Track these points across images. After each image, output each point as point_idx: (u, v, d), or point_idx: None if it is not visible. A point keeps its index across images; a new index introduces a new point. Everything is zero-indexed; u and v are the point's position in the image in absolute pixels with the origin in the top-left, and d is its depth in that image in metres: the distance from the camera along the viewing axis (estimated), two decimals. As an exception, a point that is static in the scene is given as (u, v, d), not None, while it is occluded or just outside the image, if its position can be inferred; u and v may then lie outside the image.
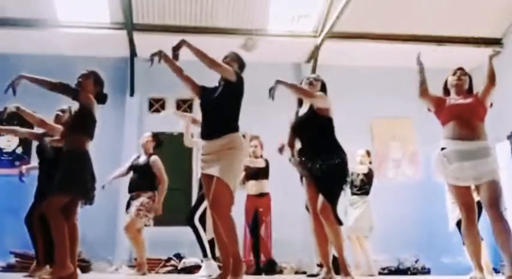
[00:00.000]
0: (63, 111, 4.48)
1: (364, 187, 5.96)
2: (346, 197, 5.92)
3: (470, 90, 3.50)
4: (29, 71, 8.37)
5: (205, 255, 4.71)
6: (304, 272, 6.95)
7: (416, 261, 7.12)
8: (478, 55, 8.27)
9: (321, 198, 3.34)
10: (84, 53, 7.84)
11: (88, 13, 7.42)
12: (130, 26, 7.41)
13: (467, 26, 7.88)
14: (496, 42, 8.17)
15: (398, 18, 7.66)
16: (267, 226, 5.88)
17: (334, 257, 3.78)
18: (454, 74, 3.51)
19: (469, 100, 3.34)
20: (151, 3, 7.37)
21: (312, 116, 3.50)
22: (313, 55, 8.17)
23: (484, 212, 3.17)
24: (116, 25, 7.53)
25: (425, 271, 7.08)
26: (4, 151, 7.62)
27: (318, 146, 3.45)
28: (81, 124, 3.37)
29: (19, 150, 7.64)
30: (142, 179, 5.23)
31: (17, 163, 7.53)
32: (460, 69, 3.52)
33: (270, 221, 5.92)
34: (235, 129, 3.18)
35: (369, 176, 6.01)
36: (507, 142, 7.45)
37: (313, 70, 8.19)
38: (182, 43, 3.22)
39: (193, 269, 6.34)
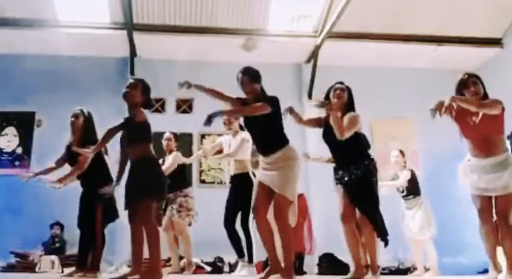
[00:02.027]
0: (76, 116, 4.45)
1: (412, 189, 5.91)
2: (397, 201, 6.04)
3: (485, 94, 3.43)
4: (29, 71, 8.39)
5: (251, 260, 4.80)
6: (304, 272, 6.95)
7: (416, 261, 7.11)
8: (478, 55, 8.30)
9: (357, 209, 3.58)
10: (84, 53, 7.84)
11: (88, 13, 7.42)
12: (130, 26, 7.40)
13: (467, 26, 7.89)
14: (496, 42, 8.18)
15: (398, 18, 7.66)
16: (308, 224, 6.03)
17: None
18: (467, 87, 3.37)
19: (479, 116, 3.35)
20: (151, 3, 7.37)
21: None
22: (313, 55, 8.16)
23: None
24: (116, 25, 7.52)
25: (425, 271, 7.06)
26: (4, 151, 7.61)
27: (345, 157, 3.62)
28: (143, 135, 3.48)
29: (19, 150, 7.63)
30: (172, 179, 5.21)
31: (17, 163, 7.54)
32: (469, 76, 3.43)
33: (309, 219, 6.04)
34: (286, 141, 3.35)
35: (412, 178, 5.93)
36: (507, 142, 7.44)
37: (313, 70, 8.20)
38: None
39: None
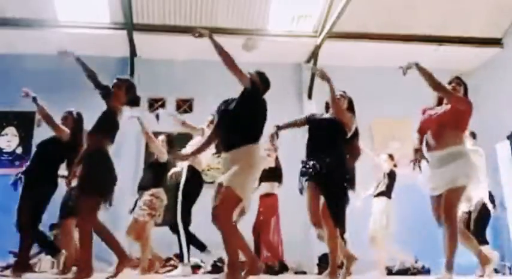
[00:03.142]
0: (65, 118, 4.47)
1: (383, 189, 5.98)
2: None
3: (465, 96, 3.56)
4: (29, 71, 8.38)
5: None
6: (304, 272, 6.95)
7: (416, 261, 7.11)
8: (478, 55, 8.30)
9: (323, 200, 3.44)
10: (84, 53, 7.77)
11: (88, 13, 7.43)
12: (130, 26, 7.41)
13: (467, 26, 7.89)
14: (496, 42, 8.18)
15: (398, 18, 7.66)
16: (275, 227, 5.88)
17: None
18: (449, 83, 3.58)
19: (441, 109, 3.42)
20: (151, 3, 7.37)
21: (332, 121, 3.63)
22: (313, 55, 8.17)
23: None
24: (116, 25, 7.54)
25: (425, 271, 7.07)
26: (4, 151, 7.62)
27: (322, 147, 3.52)
28: (105, 127, 3.42)
29: (19, 150, 7.64)
30: (146, 177, 5.22)
31: (17, 163, 7.54)
32: (457, 78, 3.58)
33: (277, 222, 5.89)
34: (253, 140, 3.05)
35: (390, 178, 6.01)
36: (507, 142, 7.45)
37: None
38: (207, 34, 3.32)
39: (193, 268, 6.35)
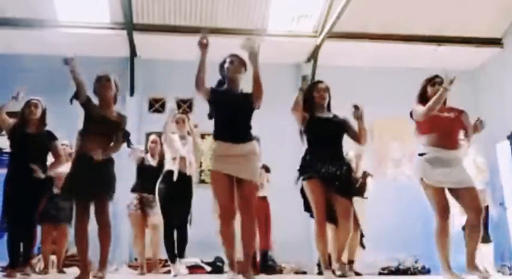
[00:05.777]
0: (35, 105, 4.39)
1: (363, 190, 5.95)
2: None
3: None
4: (29, 71, 8.39)
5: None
6: (304, 272, 6.95)
7: (416, 261, 7.12)
8: (478, 55, 8.30)
9: (343, 200, 3.50)
10: (84, 53, 7.81)
11: (88, 13, 7.43)
12: (130, 26, 7.41)
13: (467, 26, 7.88)
14: (496, 42, 8.18)
15: (398, 18, 7.66)
16: (267, 222, 6.09)
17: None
18: (433, 85, 3.55)
19: (452, 114, 3.50)
20: (151, 3, 7.37)
21: (341, 123, 3.73)
22: (313, 55, 8.17)
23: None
24: (116, 25, 7.53)
25: (425, 271, 7.08)
26: (4, 151, 7.60)
27: (335, 152, 3.62)
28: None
29: (19, 150, 7.61)
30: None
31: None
32: (437, 76, 3.56)
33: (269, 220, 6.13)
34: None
35: (365, 176, 5.98)
36: (507, 142, 7.45)
37: (313, 70, 8.20)
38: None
39: (193, 269, 6.35)
